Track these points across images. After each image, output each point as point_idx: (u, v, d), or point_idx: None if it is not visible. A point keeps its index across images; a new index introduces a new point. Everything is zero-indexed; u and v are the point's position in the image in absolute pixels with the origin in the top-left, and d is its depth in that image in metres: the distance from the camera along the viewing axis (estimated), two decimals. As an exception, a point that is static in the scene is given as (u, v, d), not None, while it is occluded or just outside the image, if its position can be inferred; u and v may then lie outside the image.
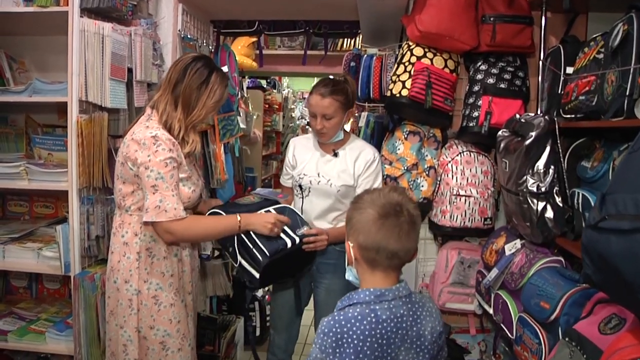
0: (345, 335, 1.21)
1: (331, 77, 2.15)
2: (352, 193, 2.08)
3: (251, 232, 1.87)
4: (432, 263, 2.45)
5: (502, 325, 1.88)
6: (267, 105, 6.31)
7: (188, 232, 1.78)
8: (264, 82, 6.79)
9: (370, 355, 1.22)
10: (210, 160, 2.77)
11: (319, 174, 2.17)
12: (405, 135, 2.26)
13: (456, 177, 2.22)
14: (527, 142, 1.76)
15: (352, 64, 2.62)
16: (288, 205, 2.06)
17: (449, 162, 2.24)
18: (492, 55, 2.23)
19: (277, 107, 6.85)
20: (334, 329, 1.22)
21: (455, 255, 2.27)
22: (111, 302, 1.84)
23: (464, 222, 2.19)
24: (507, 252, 1.98)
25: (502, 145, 1.96)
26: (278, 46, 5.16)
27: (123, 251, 1.81)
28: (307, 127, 9.64)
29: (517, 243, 1.98)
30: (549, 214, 1.79)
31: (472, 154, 2.24)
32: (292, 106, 8.08)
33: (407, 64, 2.18)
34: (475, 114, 2.16)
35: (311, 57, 4.79)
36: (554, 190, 1.80)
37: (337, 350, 1.21)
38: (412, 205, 1.30)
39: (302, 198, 2.20)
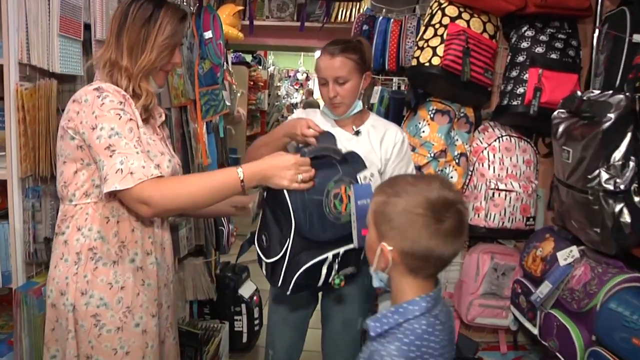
0: (427, 356, 1.03)
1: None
2: (379, 181, 1.66)
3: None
4: (455, 268, 2.07)
5: (558, 354, 1.50)
6: (251, 83, 5.89)
7: (170, 195, 1.29)
8: (248, 58, 6.32)
9: None
10: (190, 141, 2.33)
11: None
12: (432, 115, 1.85)
13: (493, 167, 1.82)
14: (605, 125, 1.37)
15: (365, 27, 2.19)
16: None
17: (485, 148, 1.84)
18: (538, 20, 1.82)
19: (262, 84, 6.42)
20: (412, 355, 1.01)
21: (487, 261, 1.89)
22: (48, 321, 1.42)
23: (503, 222, 1.80)
24: (562, 262, 1.60)
25: (560, 129, 1.57)
26: (266, 16, 4.67)
27: (61, 252, 1.39)
28: (292, 107, 9.19)
29: (574, 251, 1.61)
30: (625, 217, 1.41)
31: (512, 139, 1.84)
32: (278, 84, 7.61)
33: (437, 26, 1.77)
34: (520, 90, 1.76)
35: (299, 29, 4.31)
36: (632, 188, 1.40)
37: None
38: (463, 201, 1.07)
39: None
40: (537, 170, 1.88)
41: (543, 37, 1.78)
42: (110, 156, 1.27)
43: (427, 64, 1.75)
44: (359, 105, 1.70)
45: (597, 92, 1.55)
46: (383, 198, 1.09)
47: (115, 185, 1.25)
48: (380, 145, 1.74)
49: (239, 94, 4.91)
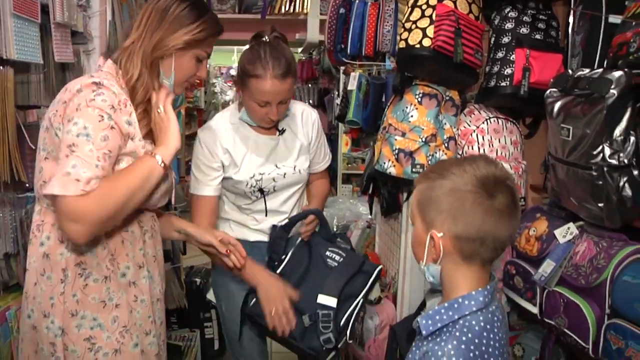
0: (486, 355, 0.97)
1: (262, 36, 1.63)
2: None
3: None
4: (443, 254, 2.05)
5: (566, 330, 1.51)
6: (188, 79, 5.64)
7: (104, 204, 1.15)
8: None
9: None
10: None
11: (277, 165, 1.69)
12: (419, 99, 1.83)
13: (483, 150, 1.84)
14: (609, 101, 1.39)
15: (342, 10, 2.13)
16: None
17: (474, 131, 1.84)
18: (517, 1, 1.84)
19: (198, 81, 6.17)
20: (471, 354, 0.95)
21: (479, 245, 1.88)
22: (26, 347, 1.28)
23: (496, 205, 1.80)
24: (561, 240, 1.63)
25: (556, 107, 1.59)
26: (206, 8, 4.48)
27: (42, 268, 1.25)
28: (227, 104, 8.99)
29: (572, 227, 1.63)
30: (627, 191, 1.44)
31: (500, 120, 1.86)
32: (214, 81, 7.40)
33: (424, 7, 1.75)
34: (508, 71, 1.77)
35: (241, 22, 4.20)
36: (633, 162, 1.44)
37: None
38: (512, 178, 1.06)
39: (264, 199, 1.71)
40: (523, 151, 1.91)
41: (526, 18, 1.81)
42: (67, 156, 1.15)
43: (418, 46, 1.72)
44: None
45: (586, 70, 1.59)
46: (427, 184, 1.05)
47: (53, 189, 1.12)
48: (302, 130, 1.77)
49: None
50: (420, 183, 1.07)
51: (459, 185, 0.99)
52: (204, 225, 1.66)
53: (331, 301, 1.56)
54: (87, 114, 1.16)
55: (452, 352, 0.95)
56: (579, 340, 1.48)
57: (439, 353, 0.96)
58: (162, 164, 1.25)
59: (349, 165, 4.64)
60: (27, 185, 1.60)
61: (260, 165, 1.70)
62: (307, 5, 4.44)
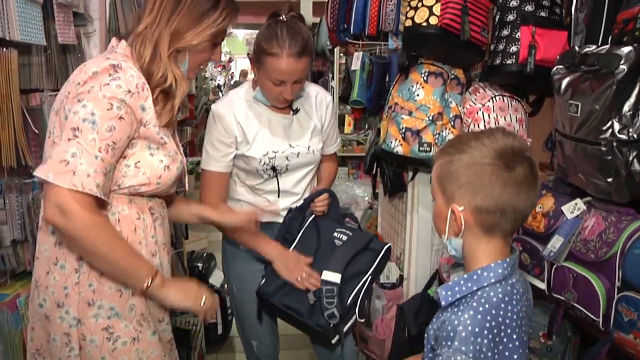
0: (503, 327, 0.98)
1: (279, 15, 1.62)
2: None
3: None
4: (448, 233, 2.07)
5: (575, 304, 1.54)
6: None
7: (84, 228, 1.12)
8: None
9: (525, 337, 1.03)
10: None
11: (291, 145, 1.70)
12: (425, 78, 1.83)
13: (489, 128, 1.82)
14: (619, 77, 1.40)
15: (345, -11, 2.09)
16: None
17: (479, 109, 1.85)
18: (522, -22, 1.84)
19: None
20: (487, 325, 0.96)
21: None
22: (36, 336, 1.27)
23: (502, 182, 1.81)
24: (569, 215, 1.65)
25: (564, 84, 1.60)
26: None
27: (54, 257, 1.23)
28: (218, 89, 8.89)
29: (579, 203, 1.65)
30: (636, 165, 1.46)
31: (505, 98, 1.87)
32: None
33: (431, -16, 1.71)
34: (514, 48, 1.78)
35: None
36: (641, 137, 1.46)
37: (497, 349, 0.98)
38: (530, 149, 1.06)
39: (277, 178, 1.71)
40: (527, 128, 1.92)
41: (530, -5, 1.81)
42: (69, 140, 1.12)
43: (425, 24, 1.72)
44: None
45: (593, 46, 1.60)
46: (446, 158, 1.05)
47: (48, 175, 1.10)
48: (316, 112, 1.77)
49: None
50: (440, 158, 1.08)
51: (477, 159, 1.00)
52: (213, 201, 1.68)
53: (335, 277, 1.58)
54: (98, 100, 1.13)
55: (468, 322, 0.96)
56: (589, 314, 1.51)
57: (456, 322, 0.97)
58: (145, 284, 1.21)
59: (345, 148, 4.65)
60: (32, 170, 1.57)
61: (274, 143, 1.70)
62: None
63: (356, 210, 2.88)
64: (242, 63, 10.84)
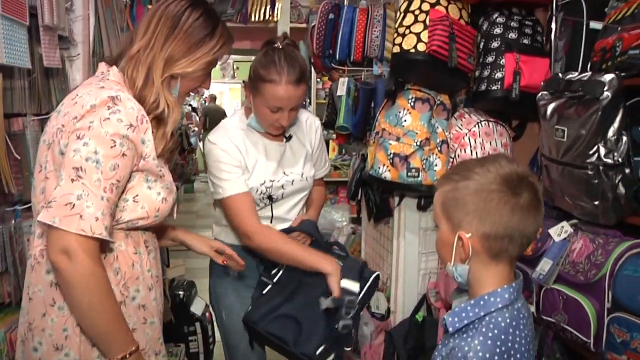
0: (512, 351, 0.98)
1: (275, 43, 1.63)
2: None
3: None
4: (434, 258, 2.08)
5: (566, 327, 1.56)
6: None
7: (84, 274, 1.08)
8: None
9: None
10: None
11: (284, 172, 1.73)
12: (412, 103, 1.86)
13: (475, 152, 1.89)
14: (604, 103, 1.45)
15: (331, 16, 2.14)
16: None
17: (465, 134, 1.89)
18: (503, 7, 1.90)
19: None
20: (497, 350, 0.96)
21: (472, 246, 1.92)
22: None
23: (489, 206, 1.84)
24: (556, 238, 1.68)
25: (549, 109, 1.66)
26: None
27: (50, 298, 1.17)
28: (193, 111, 8.82)
29: (566, 226, 1.69)
30: (621, 189, 1.51)
31: (490, 123, 1.92)
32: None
33: (417, 12, 1.79)
34: (499, 75, 1.83)
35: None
36: (626, 161, 1.51)
37: None
38: (532, 174, 1.08)
39: (271, 206, 1.73)
40: (512, 153, 1.97)
41: (514, 24, 1.88)
42: (72, 180, 1.08)
43: (413, 50, 1.75)
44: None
45: (575, 73, 1.66)
46: (451, 185, 1.06)
47: (55, 220, 1.05)
48: (307, 138, 1.79)
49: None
50: (443, 185, 1.08)
51: (484, 185, 1.01)
52: (255, 225, 1.63)
53: (354, 286, 1.54)
54: (100, 137, 1.09)
55: (478, 348, 0.96)
56: (580, 336, 1.53)
57: (466, 348, 0.97)
58: (118, 357, 1.13)
59: (321, 173, 4.64)
60: (13, 197, 1.52)
61: (270, 171, 1.69)
62: (277, 14, 4.42)
63: (339, 235, 2.88)
64: (213, 87, 10.84)
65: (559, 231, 1.71)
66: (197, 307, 2.70)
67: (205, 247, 1.55)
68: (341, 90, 2.09)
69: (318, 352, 1.55)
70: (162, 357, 1.31)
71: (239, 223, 1.65)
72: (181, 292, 2.63)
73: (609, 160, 1.49)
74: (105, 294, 1.11)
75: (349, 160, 4.59)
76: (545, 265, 1.67)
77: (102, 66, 1.25)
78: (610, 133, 1.51)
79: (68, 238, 1.05)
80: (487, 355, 0.96)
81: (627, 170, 1.53)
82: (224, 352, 1.82)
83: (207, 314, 2.72)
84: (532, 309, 1.77)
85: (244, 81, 1.68)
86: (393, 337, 2.00)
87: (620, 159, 1.50)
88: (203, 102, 10.26)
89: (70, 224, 1.05)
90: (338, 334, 1.59)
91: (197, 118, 9.54)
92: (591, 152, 1.52)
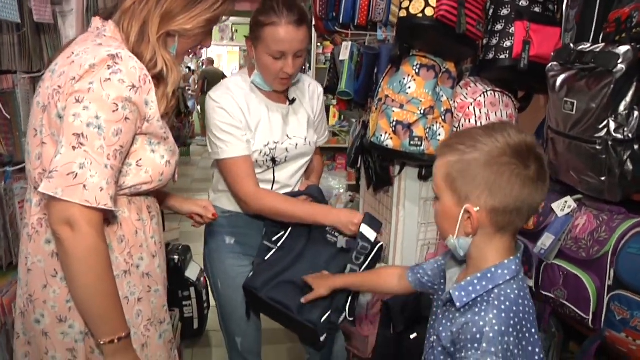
0: (524, 322, 0.98)
1: None
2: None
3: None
4: (434, 229, 2.06)
5: (565, 302, 1.55)
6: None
7: (86, 248, 1.04)
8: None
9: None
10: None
11: (288, 136, 1.69)
12: (417, 70, 1.80)
13: (480, 123, 1.86)
14: (618, 76, 1.39)
15: (336, -24, 2.03)
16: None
17: (471, 104, 1.83)
18: (516, -27, 1.82)
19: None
20: (511, 322, 0.96)
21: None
22: (33, 352, 1.18)
23: (493, 178, 1.80)
24: (559, 213, 1.65)
25: (559, 81, 1.60)
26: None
27: (52, 268, 1.13)
28: (191, 72, 8.65)
29: (570, 201, 1.65)
30: (629, 165, 1.47)
31: (496, 94, 1.86)
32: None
33: (426, -25, 1.67)
34: (507, 43, 1.76)
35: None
36: (636, 136, 1.46)
37: (521, 345, 0.97)
38: (539, 143, 1.05)
39: (273, 170, 1.69)
40: (517, 124, 1.91)
41: (525, -10, 1.79)
42: (74, 148, 1.02)
43: (420, 15, 1.68)
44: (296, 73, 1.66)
45: (588, 44, 1.60)
46: (456, 156, 1.01)
47: (57, 191, 1.00)
48: (309, 104, 1.75)
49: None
50: (447, 155, 1.03)
51: (495, 158, 0.97)
52: (254, 189, 1.60)
53: (371, 234, 1.54)
54: (101, 100, 1.03)
55: (494, 321, 0.95)
56: (579, 312, 1.52)
57: (481, 323, 0.95)
58: (106, 340, 1.08)
59: (319, 139, 4.58)
60: (3, 157, 1.47)
61: (274, 133, 1.65)
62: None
63: (337, 203, 2.84)
64: (211, 50, 10.63)
65: (562, 206, 1.68)
66: (192, 272, 2.69)
67: (194, 206, 1.53)
68: (344, 55, 2.02)
69: (323, 319, 1.53)
70: (167, 325, 1.29)
71: (236, 187, 1.62)
72: (176, 257, 2.61)
73: (619, 136, 1.45)
74: (105, 271, 1.08)
75: (348, 127, 4.53)
76: (547, 240, 1.65)
77: (97, 21, 1.18)
78: (622, 107, 1.46)
79: (71, 209, 1.01)
80: (503, 328, 0.95)
81: (637, 147, 1.49)
82: (219, 321, 1.80)
83: (202, 279, 2.71)
84: (531, 283, 1.75)
85: (245, 36, 1.61)
86: (390, 307, 1.98)
87: (630, 135, 1.45)
88: (201, 64, 10.09)
89: (74, 194, 1.00)
90: (342, 303, 1.57)
91: (195, 80, 9.40)
92: (601, 127, 1.47)
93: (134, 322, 1.18)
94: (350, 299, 1.60)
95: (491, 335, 0.93)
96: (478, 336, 0.94)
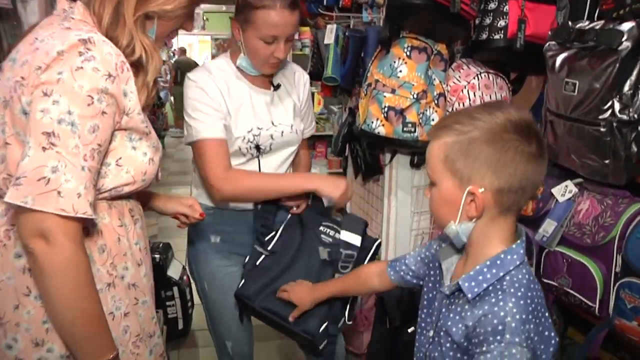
0: (539, 307, 0.95)
1: None
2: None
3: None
4: (427, 217, 1.99)
5: (569, 290, 1.49)
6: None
7: (64, 262, 0.92)
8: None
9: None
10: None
11: (273, 123, 1.59)
12: (408, 52, 1.71)
13: (489, 101, 1.74)
14: (623, 54, 1.33)
15: (319, -45, 1.92)
16: None
17: (464, 87, 1.76)
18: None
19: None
20: (530, 308, 0.91)
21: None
22: None
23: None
24: (560, 199, 1.60)
25: (558, 61, 1.53)
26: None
27: (24, 286, 1.01)
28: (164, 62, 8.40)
29: (570, 185, 1.60)
30: (634, 147, 1.42)
31: (490, 75, 1.79)
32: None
33: (417, -49, 1.57)
34: (502, 23, 1.69)
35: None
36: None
37: (539, 330, 0.93)
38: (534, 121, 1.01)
39: (258, 159, 1.59)
40: (511, 107, 1.85)
41: (518, -34, 1.71)
42: (44, 149, 0.90)
43: (412, -6, 1.57)
44: None
45: (587, 22, 1.53)
46: (454, 137, 0.94)
47: (27, 200, 0.88)
48: (295, 91, 1.67)
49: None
50: (442, 136, 0.95)
51: (497, 134, 0.91)
52: (224, 172, 1.48)
53: (355, 239, 1.47)
54: (73, 92, 0.91)
55: (514, 310, 0.90)
56: (585, 300, 1.47)
57: (502, 314, 0.90)
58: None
59: (299, 127, 4.46)
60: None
61: (257, 119, 1.55)
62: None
63: (323, 193, 2.75)
64: (182, 40, 10.35)
65: (563, 191, 1.62)
66: (174, 271, 2.57)
67: (179, 206, 1.40)
68: (329, 39, 1.91)
69: (321, 329, 1.45)
70: (157, 338, 1.18)
71: (205, 169, 1.49)
72: (157, 256, 2.49)
73: (624, 117, 1.39)
74: (87, 287, 0.96)
75: (327, 114, 4.43)
76: (548, 226, 1.59)
77: (63, 2, 1.05)
78: (627, 87, 1.40)
79: (45, 220, 0.89)
80: (524, 316, 0.90)
81: (640, 127, 1.43)
82: (207, 323, 1.70)
83: (185, 277, 2.60)
84: (532, 271, 1.70)
85: (231, 17, 1.47)
86: (385, 301, 1.91)
87: (635, 116, 1.39)
88: (172, 54, 9.82)
89: (47, 202, 0.88)
90: (339, 310, 1.49)
91: (166, 70, 9.15)
92: (605, 108, 1.41)
93: (122, 339, 1.07)
94: (348, 304, 1.53)
95: (513, 325, 0.88)
96: (500, 327, 0.88)
